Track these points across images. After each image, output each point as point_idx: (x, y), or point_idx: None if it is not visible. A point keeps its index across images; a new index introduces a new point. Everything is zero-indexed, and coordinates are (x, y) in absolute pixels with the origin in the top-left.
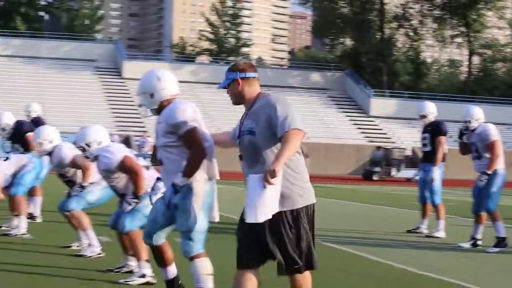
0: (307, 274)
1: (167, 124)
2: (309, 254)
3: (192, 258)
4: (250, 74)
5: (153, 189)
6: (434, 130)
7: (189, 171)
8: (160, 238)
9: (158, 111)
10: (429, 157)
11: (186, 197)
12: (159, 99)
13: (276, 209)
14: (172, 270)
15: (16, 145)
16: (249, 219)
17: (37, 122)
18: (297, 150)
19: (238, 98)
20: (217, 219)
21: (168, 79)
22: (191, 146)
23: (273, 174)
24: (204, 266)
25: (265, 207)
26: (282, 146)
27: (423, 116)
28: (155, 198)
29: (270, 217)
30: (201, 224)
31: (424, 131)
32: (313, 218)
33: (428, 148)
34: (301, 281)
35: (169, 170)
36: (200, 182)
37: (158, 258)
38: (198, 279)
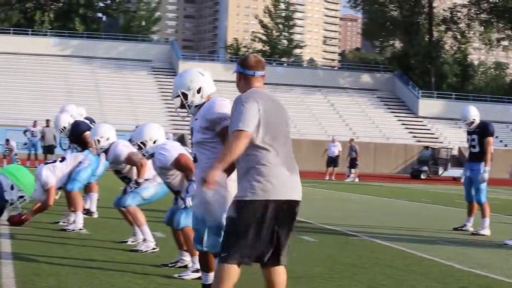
0: (278, 270)
1: (205, 119)
2: (265, 249)
3: (217, 254)
4: (247, 72)
5: (187, 191)
6: (482, 131)
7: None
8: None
9: (198, 108)
10: (477, 157)
11: (219, 194)
12: (207, 93)
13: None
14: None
15: (74, 144)
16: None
17: (90, 122)
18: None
19: (239, 89)
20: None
21: (208, 75)
22: (225, 141)
23: (205, 182)
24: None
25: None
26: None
27: (471, 123)
28: (188, 200)
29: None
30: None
31: (472, 133)
32: (287, 215)
33: (476, 149)
34: (271, 275)
35: (204, 167)
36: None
37: (204, 263)
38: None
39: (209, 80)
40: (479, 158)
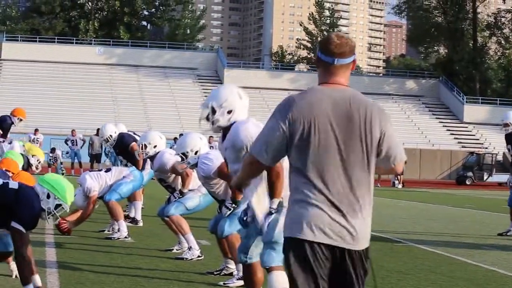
0: None
1: (235, 149)
2: None
3: (270, 269)
4: (325, 58)
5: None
6: None
7: (277, 192)
8: (255, 255)
9: (224, 130)
10: None
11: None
12: (236, 118)
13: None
14: None
15: (119, 156)
16: None
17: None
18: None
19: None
20: None
21: (246, 100)
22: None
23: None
24: (281, 279)
25: None
26: None
27: (506, 125)
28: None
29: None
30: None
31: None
32: (333, 265)
33: None
34: None
35: (248, 194)
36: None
37: (248, 277)
38: None
39: (244, 106)
40: None
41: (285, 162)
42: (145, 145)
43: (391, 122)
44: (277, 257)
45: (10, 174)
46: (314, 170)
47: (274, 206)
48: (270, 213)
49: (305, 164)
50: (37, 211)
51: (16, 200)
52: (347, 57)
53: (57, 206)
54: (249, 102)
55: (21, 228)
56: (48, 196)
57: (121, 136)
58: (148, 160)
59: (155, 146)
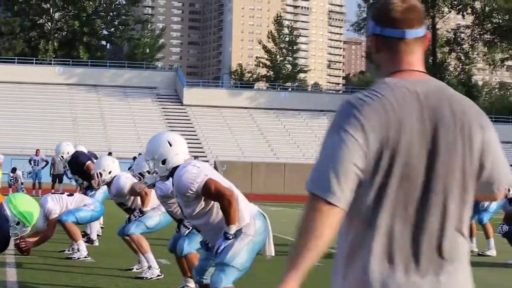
0: None
1: (180, 194)
2: None
3: None
4: (389, 32)
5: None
6: None
7: (232, 219)
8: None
9: (167, 177)
10: None
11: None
12: (173, 165)
13: None
14: None
15: (75, 176)
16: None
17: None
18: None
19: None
20: (272, 254)
21: (180, 142)
22: (217, 199)
23: None
24: None
25: None
26: None
27: None
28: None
29: None
30: (240, 261)
31: None
32: None
33: None
34: None
35: (209, 233)
36: (250, 224)
37: None
38: None
39: (176, 151)
40: None
41: (235, 188)
42: (100, 173)
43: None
44: (225, 279)
45: None
46: (393, 214)
47: (231, 231)
48: (227, 238)
49: (380, 205)
50: (6, 234)
51: None
52: (419, 28)
53: (24, 231)
54: (211, 119)
55: None
56: (18, 223)
57: (76, 155)
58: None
59: (110, 172)
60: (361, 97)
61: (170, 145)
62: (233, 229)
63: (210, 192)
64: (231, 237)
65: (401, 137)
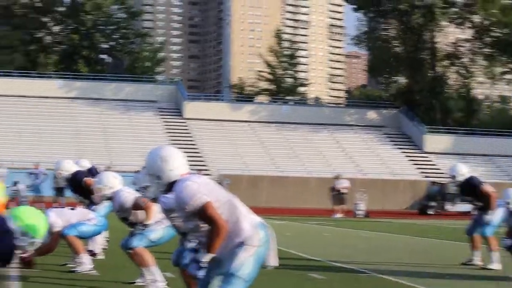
0: None
1: (181, 208)
2: None
3: None
4: None
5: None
6: (468, 189)
7: (213, 248)
8: None
9: (168, 190)
10: (483, 209)
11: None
12: (167, 181)
13: None
14: None
15: (76, 194)
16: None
17: (93, 172)
18: None
19: None
20: (275, 264)
21: (175, 157)
22: (209, 223)
23: None
24: None
25: None
26: None
27: (453, 177)
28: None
29: None
30: (246, 272)
31: (462, 193)
32: None
33: (480, 203)
34: None
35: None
36: (254, 234)
37: None
38: None
39: (170, 167)
40: (485, 209)
41: (236, 199)
42: (100, 188)
43: None
44: None
45: None
46: None
47: (206, 259)
48: (200, 268)
49: None
50: (10, 247)
51: None
52: None
53: (31, 243)
54: (212, 133)
55: None
56: (23, 235)
57: (74, 174)
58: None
59: (111, 188)
60: None
61: (164, 161)
62: (208, 258)
63: (204, 215)
64: (203, 266)
65: None
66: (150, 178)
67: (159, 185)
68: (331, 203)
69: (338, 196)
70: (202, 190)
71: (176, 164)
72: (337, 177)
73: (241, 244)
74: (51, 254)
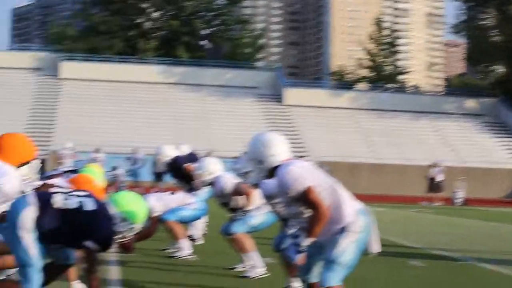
0: None
1: (283, 193)
2: None
3: None
4: None
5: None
6: None
7: (314, 233)
8: (316, 274)
9: (270, 176)
10: None
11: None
12: (268, 166)
13: None
14: None
15: (176, 179)
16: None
17: (193, 158)
18: None
19: None
20: (377, 250)
21: (277, 143)
22: (311, 207)
23: None
24: None
25: None
26: None
27: None
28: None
29: None
30: (347, 258)
31: None
32: None
33: None
34: None
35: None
36: (356, 221)
37: None
38: None
39: (271, 152)
40: None
41: (338, 184)
42: (200, 174)
43: None
44: (333, 277)
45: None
46: None
47: (305, 244)
48: (298, 252)
49: None
50: (110, 232)
51: (94, 221)
52: None
53: (131, 228)
54: (312, 119)
55: (97, 248)
56: (124, 221)
57: (174, 159)
58: None
59: (211, 173)
60: None
61: (266, 146)
62: (308, 242)
63: (306, 199)
64: (302, 250)
65: None
66: (252, 163)
67: (260, 170)
68: (427, 190)
69: (434, 184)
70: (305, 175)
71: (278, 149)
72: (433, 165)
73: (343, 230)
74: (151, 239)
